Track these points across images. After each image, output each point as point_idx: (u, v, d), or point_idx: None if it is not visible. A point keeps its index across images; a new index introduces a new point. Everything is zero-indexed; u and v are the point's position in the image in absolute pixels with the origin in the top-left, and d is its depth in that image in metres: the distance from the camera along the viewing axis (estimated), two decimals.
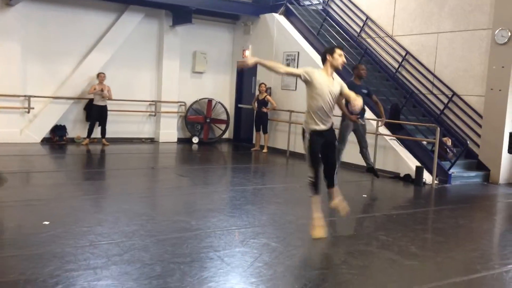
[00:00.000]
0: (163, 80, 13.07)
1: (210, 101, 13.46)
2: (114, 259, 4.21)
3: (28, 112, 11.26)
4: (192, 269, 4.10)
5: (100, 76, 11.64)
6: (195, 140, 13.24)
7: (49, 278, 3.74)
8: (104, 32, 12.16)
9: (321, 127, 5.08)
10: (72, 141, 11.92)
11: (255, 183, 8.69)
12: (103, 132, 11.82)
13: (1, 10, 10.75)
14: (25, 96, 11.18)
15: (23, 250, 4.32)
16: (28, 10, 11.09)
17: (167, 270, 4.04)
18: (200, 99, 13.50)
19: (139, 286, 3.70)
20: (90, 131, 11.77)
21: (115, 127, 12.28)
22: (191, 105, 13.47)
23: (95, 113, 11.70)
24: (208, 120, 13.39)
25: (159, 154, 11.84)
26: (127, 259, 4.25)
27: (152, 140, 13.18)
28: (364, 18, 12.10)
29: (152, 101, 13.11)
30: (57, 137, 11.67)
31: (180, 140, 13.31)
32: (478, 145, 9.65)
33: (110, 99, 11.75)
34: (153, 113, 13.15)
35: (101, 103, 11.67)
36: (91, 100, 11.79)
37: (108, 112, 11.83)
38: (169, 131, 13.30)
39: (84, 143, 11.63)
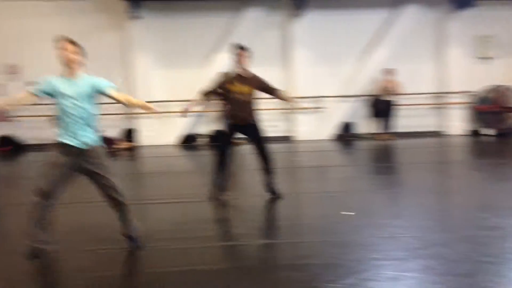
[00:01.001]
0: (447, 69, 12.49)
1: (502, 88, 12.21)
2: (417, 253, 4.26)
3: (320, 111, 12.33)
4: (504, 269, 3.84)
5: (387, 71, 11.84)
6: (486, 131, 12.22)
7: (358, 264, 4.04)
8: (382, 28, 12.30)
9: None
10: (361, 137, 12.50)
11: None
12: (389, 126, 12.01)
13: (292, 21, 12.06)
14: (318, 96, 12.26)
15: (332, 237, 4.76)
16: (314, 18, 12.08)
17: (476, 267, 3.88)
18: (490, 87, 12.39)
19: (444, 282, 3.66)
20: (379, 126, 12.11)
21: (400, 121, 12.32)
22: (480, 94, 12.48)
23: (382, 108, 11.99)
24: (500, 110, 12.18)
25: (446, 147, 11.37)
26: (430, 253, 4.24)
27: (437, 133, 12.75)
28: None
29: (436, 92, 12.67)
30: (347, 134, 12.43)
31: (468, 133, 12.50)
32: None
33: (396, 94, 11.87)
34: (438, 105, 12.69)
35: (387, 98, 11.89)
36: (377, 96, 12.15)
37: (395, 107, 11.96)
38: (456, 123, 12.64)
39: (383, 139, 11.98)
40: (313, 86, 12.30)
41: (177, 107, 12.06)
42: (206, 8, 12.06)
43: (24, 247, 4.23)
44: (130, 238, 4.48)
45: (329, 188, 7.11)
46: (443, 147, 11.36)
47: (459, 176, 8.11)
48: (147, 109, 4.36)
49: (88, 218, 5.69)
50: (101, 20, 11.81)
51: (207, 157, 10.89)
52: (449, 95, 12.58)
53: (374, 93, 12.25)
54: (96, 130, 4.37)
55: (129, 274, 3.96)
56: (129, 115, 12.08)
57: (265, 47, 11.80)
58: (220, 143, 6.40)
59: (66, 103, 4.22)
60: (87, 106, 4.29)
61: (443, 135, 12.63)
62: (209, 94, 6.29)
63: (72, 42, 4.29)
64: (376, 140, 12.00)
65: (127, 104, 4.43)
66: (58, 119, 4.29)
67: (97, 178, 4.29)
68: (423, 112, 12.79)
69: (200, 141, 12.19)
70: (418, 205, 5.90)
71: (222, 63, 11.89)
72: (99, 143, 4.36)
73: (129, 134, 12.14)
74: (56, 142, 4.26)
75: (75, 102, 4.24)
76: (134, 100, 4.46)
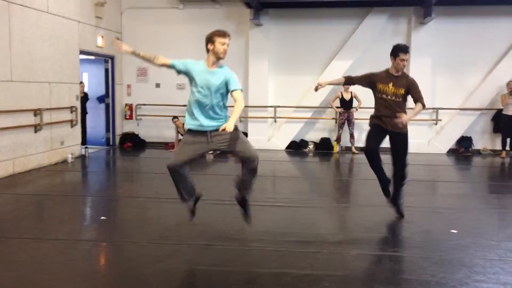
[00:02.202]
0: None
1: None
2: None
3: (436, 123, 11.82)
4: None
5: (510, 85, 11.03)
6: None
7: (458, 285, 3.87)
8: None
9: None
10: (478, 152, 11.76)
11: None
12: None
13: (415, 29, 11.68)
14: (433, 108, 11.76)
15: (433, 254, 4.59)
16: (438, 26, 11.61)
17: None
18: None
19: None
20: (503, 143, 11.30)
21: None
22: None
23: (505, 123, 11.18)
24: None
25: None
26: None
27: None
28: None
29: None
30: (462, 148, 11.77)
31: None
32: None
33: None
34: None
35: (511, 113, 11.05)
36: (499, 111, 11.34)
37: None
38: None
39: (501, 156, 11.26)
40: (431, 97, 11.81)
41: (289, 113, 12.43)
42: (327, 16, 12.13)
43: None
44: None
45: (438, 204, 6.83)
46: None
47: None
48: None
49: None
50: (227, 27, 12.29)
51: (313, 164, 11.01)
52: None
53: (497, 107, 11.43)
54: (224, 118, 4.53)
55: (225, 271, 4.18)
56: (241, 119, 12.54)
57: (386, 56, 11.48)
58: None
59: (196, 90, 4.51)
60: (217, 96, 4.47)
61: None
62: (349, 79, 5.94)
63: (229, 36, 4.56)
64: (497, 157, 11.19)
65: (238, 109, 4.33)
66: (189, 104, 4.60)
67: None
68: None
69: (308, 148, 12.28)
70: None
71: (339, 72, 11.94)
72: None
73: None
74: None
75: (206, 91, 4.47)
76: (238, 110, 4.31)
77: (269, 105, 12.48)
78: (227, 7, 12.39)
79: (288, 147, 12.43)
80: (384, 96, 5.57)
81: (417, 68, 11.69)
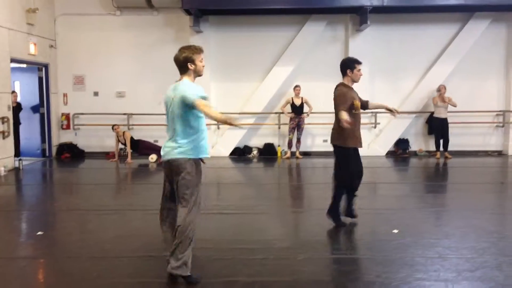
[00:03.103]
0: None
1: None
2: (465, 275, 4.13)
3: (375, 127, 12.18)
4: None
5: (440, 88, 11.56)
6: None
7: (401, 284, 3.96)
8: (446, 44, 12.05)
9: None
10: (415, 154, 12.23)
11: None
12: (445, 145, 11.68)
13: (352, 36, 12.01)
14: (372, 112, 12.11)
15: (377, 254, 4.69)
16: (374, 33, 11.99)
17: None
18: None
19: None
20: (437, 144, 11.79)
21: (458, 139, 11.95)
22: None
23: (437, 126, 11.71)
24: None
25: (508, 168, 10.89)
26: (479, 276, 4.10)
27: (499, 153, 12.25)
28: None
29: (500, 111, 12.20)
30: (400, 150, 12.19)
31: None
32: None
33: (451, 111, 11.55)
34: (501, 124, 12.21)
35: (442, 116, 11.59)
36: (432, 114, 11.86)
37: (450, 125, 11.63)
38: None
39: (436, 156, 11.71)
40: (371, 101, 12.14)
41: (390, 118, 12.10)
42: (267, 22, 12.21)
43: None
44: None
45: (379, 205, 7.00)
46: (504, 168, 10.88)
47: None
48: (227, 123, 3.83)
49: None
50: (166, 34, 12.22)
51: (258, 170, 11.04)
52: None
53: (429, 110, 11.95)
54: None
55: (169, 283, 4.07)
56: None
57: (325, 62, 11.80)
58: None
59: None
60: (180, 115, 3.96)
61: (504, 155, 12.11)
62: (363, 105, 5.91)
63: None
64: (431, 158, 11.68)
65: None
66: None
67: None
68: (485, 130, 12.35)
69: (251, 154, 12.30)
70: (471, 226, 5.71)
71: (281, 78, 12.07)
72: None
73: None
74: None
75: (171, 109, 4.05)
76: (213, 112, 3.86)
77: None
78: (166, 13, 12.21)
79: (232, 153, 12.38)
80: (357, 111, 5.62)
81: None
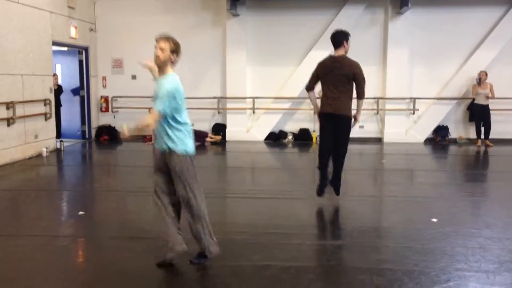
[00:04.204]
0: None
1: None
2: (507, 266, 4.02)
3: (413, 113, 11.92)
4: None
5: (481, 74, 11.19)
6: None
7: (441, 273, 3.89)
8: (491, 28, 11.62)
9: None
10: (454, 141, 11.93)
11: None
12: (487, 132, 11.33)
13: (392, 19, 11.73)
14: (410, 98, 11.86)
15: (415, 243, 4.61)
16: (415, 16, 11.68)
17: None
18: None
19: None
20: (478, 132, 11.47)
21: (500, 127, 11.57)
22: None
23: (477, 113, 11.37)
24: None
25: None
26: None
27: None
28: None
29: None
30: (439, 137, 11.91)
31: None
32: None
33: (493, 98, 11.18)
34: None
35: (483, 103, 11.23)
36: (473, 100, 11.51)
37: (492, 112, 11.26)
38: None
39: (477, 144, 11.39)
40: (408, 87, 11.91)
41: (268, 104, 12.36)
42: (304, 6, 12.06)
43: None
44: None
45: (417, 193, 6.87)
46: None
47: None
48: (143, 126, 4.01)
49: None
50: (204, 18, 12.28)
51: (292, 155, 11.01)
52: None
53: (470, 96, 11.60)
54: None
55: (208, 266, 4.12)
56: (220, 110, 12.46)
57: (364, 46, 11.56)
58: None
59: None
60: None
61: None
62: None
63: (166, 39, 4.01)
64: (471, 146, 11.37)
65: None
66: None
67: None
68: None
69: (287, 138, 12.26)
70: (511, 216, 5.53)
71: (317, 61, 11.87)
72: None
73: (218, 129, 12.52)
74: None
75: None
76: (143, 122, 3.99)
77: (247, 96, 12.39)
78: None
79: (267, 138, 12.37)
80: None
81: (394, 58, 11.79)
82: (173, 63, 4.05)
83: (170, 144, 3.93)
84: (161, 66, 4.00)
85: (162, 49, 3.96)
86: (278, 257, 4.26)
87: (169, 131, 3.93)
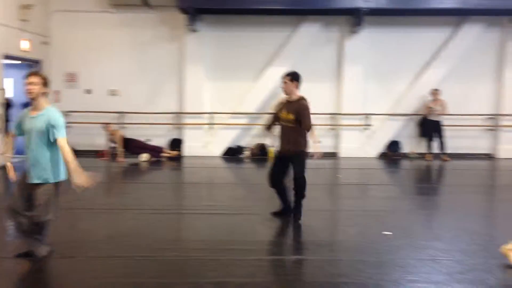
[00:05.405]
0: (503, 90, 12.17)
1: None
2: (456, 277, 4.17)
3: (367, 129, 12.22)
4: None
5: (434, 92, 11.65)
6: None
7: (393, 286, 4.00)
8: (440, 47, 12.13)
9: None
10: (406, 156, 12.29)
11: None
12: (442, 147, 11.75)
13: (347, 38, 12.06)
14: (364, 114, 12.16)
15: (369, 256, 4.71)
16: (369, 35, 12.03)
17: None
18: None
19: None
20: (428, 146, 11.89)
21: (450, 142, 12.02)
22: None
23: (429, 128, 11.79)
24: None
25: (497, 171, 10.99)
26: (470, 278, 4.14)
27: (488, 156, 12.34)
28: None
29: (490, 114, 12.31)
30: (392, 152, 12.25)
31: None
32: None
33: (444, 114, 11.63)
34: (492, 127, 12.32)
35: (435, 119, 11.67)
36: (424, 116, 11.93)
37: (443, 127, 11.71)
38: (509, 146, 12.20)
39: (427, 158, 11.75)
40: (363, 103, 12.22)
41: (225, 119, 12.39)
42: (262, 23, 12.21)
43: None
44: None
45: (369, 207, 7.03)
46: (494, 171, 10.98)
47: (508, 200, 7.81)
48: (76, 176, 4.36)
49: (121, 226, 5.88)
50: (161, 32, 12.23)
51: (249, 170, 11.04)
52: (504, 117, 12.18)
53: (422, 112, 12.03)
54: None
55: (165, 284, 4.06)
56: (176, 126, 12.38)
57: (320, 63, 11.89)
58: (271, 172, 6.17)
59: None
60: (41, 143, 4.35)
61: (494, 158, 12.21)
62: (270, 126, 6.36)
63: (35, 74, 4.40)
64: (423, 160, 11.75)
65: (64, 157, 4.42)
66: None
67: None
68: (476, 133, 12.42)
69: (244, 154, 12.30)
70: (462, 228, 5.76)
71: (274, 78, 12.05)
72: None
73: (175, 144, 12.42)
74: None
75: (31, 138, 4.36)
76: (71, 160, 4.39)
77: (205, 111, 12.38)
78: (161, 12, 12.19)
79: (224, 153, 12.38)
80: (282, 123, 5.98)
81: (350, 76, 12.10)
82: (44, 94, 4.41)
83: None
84: (35, 99, 4.37)
85: (33, 83, 4.32)
86: (235, 273, 4.25)
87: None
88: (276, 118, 6.18)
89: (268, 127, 6.38)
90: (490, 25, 12.03)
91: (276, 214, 6.21)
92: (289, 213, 6.12)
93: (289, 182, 6.05)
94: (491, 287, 3.98)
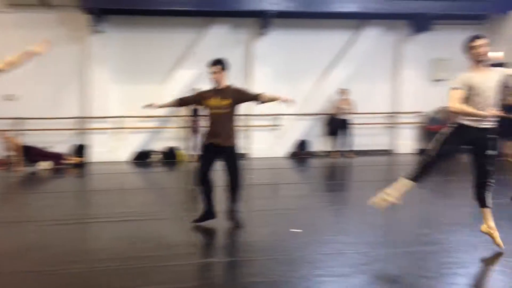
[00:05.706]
0: (401, 90, 13.00)
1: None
2: (362, 268, 4.36)
3: (276, 129, 12.49)
4: (440, 285, 3.98)
5: (342, 91, 12.18)
6: None
7: (302, 281, 4.09)
8: (343, 49, 12.70)
9: None
10: (315, 154, 12.72)
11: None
12: (348, 144, 12.28)
13: (256, 39, 12.22)
14: (274, 114, 12.40)
15: (280, 254, 4.79)
16: (276, 37, 12.28)
17: (415, 283, 4.00)
18: (439, 108, 12.90)
19: None
20: (334, 144, 12.38)
21: (355, 139, 12.58)
22: (430, 114, 12.99)
23: (336, 126, 12.31)
24: None
25: (396, 165, 11.71)
26: (375, 269, 4.35)
27: (389, 152, 13.12)
28: None
29: (389, 112, 13.09)
30: (301, 151, 12.62)
31: (418, 151, 12.92)
32: None
33: (351, 113, 12.20)
34: (390, 124, 13.11)
35: (343, 117, 12.22)
36: (331, 115, 12.43)
37: (350, 125, 12.27)
38: (406, 142, 13.07)
39: (335, 156, 12.22)
40: (271, 104, 12.41)
41: (133, 123, 12.04)
42: (169, 24, 12.04)
43: None
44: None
45: (280, 206, 7.16)
46: (393, 165, 11.69)
47: (408, 193, 8.30)
48: None
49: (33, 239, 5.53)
50: (61, 33, 11.59)
51: (160, 174, 10.83)
52: (402, 115, 13.01)
53: (329, 111, 12.52)
54: None
55: None
56: (80, 131, 11.85)
57: (230, 65, 11.85)
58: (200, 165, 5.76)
59: None
60: None
61: (394, 153, 13.00)
62: (181, 101, 6.11)
63: None
64: (331, 158, 12.22)
65: None
66: None
67: None
68: (377, 131, 13.15)
69: (153, 158, 12.04)
70: (364, 221, 6.03)
71: (183, 80, 11.92)
72: None
73: (79, 150, 11.87)
74: None
75: None
76: None
77: (112, 115, 11.95)
78: (62, 12, 11.59)
79: (133, 158, 12.03)
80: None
81: (259, 77, 12.29)
82: None
83: None
84: None
85: None
86: (154, 280, 4.12)
87: None
88: (195, 102, 6.08)
89: (179, 102, 6.12)
90: (388, 28, 12.81)
91: (198, 221, 5.82)
92: (211, 217, 5.82)
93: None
94: (392, 276, 4.21)
